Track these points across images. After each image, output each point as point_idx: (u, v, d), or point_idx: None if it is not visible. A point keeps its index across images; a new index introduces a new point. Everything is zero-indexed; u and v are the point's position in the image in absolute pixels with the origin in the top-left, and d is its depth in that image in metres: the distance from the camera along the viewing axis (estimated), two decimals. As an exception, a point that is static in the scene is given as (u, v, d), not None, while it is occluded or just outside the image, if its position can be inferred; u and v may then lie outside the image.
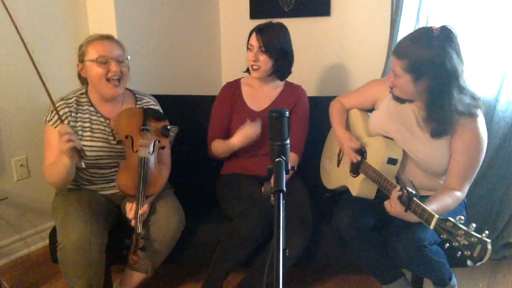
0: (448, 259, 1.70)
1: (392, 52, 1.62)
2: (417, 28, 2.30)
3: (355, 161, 1.80)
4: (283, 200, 0.99)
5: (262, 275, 1.33)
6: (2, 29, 2.09)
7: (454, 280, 1.74)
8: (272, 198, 1.01)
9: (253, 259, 1.80)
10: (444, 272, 1.69)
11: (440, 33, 1.50)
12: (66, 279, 1.64)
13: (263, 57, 1.94)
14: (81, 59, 1.74)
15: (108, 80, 1.71)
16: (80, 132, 1.75)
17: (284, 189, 1.01)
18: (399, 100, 1.72)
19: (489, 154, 2.24)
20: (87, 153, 1.72)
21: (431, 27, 1.55)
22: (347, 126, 2.00)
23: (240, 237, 1.74)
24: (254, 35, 1.95)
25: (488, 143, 1.64)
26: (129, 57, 1.79)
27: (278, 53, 1.95)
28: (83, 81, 1.84)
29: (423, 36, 1.54)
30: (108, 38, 1.76)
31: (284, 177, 1.05)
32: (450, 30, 1.52)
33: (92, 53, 1.70)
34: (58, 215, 1.71)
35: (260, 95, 2.07)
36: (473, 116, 1.58)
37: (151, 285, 2.09)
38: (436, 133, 1.62)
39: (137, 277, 1.81)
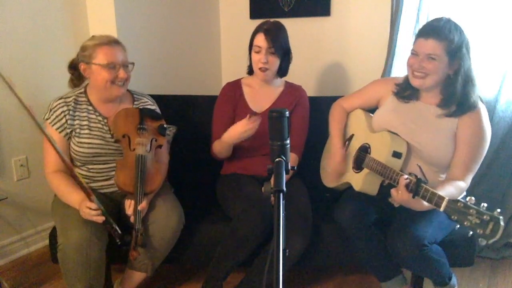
0: (448, 259, 1.70)
1: (425, 35, 1.62)
2: (416, 28, 2.30)
3: (333, 175, 1.93)
4: (283, 200, 0.99)
5: (262, 275, 1.34)
6: (2, 30, 2.09)
7: (454, 280, 1.75)
8: (272, 198, 1.01)
9: (253, 259, 1.80)
10: (444, 271, 1.70)
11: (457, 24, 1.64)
12: (66, 280, 1.64)
13: (272, 58, 1.93)
14: (87, 61, 1.74)
15: (112, 82, 1.74)
16: (78, 130, 1.76)
17: (284, 189, 1.01)
18: (405, 98, 1.76)
19: (489, 154, 2.23)
20: (85, 150, 1.75)
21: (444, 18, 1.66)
22: (347, 128, 2.01)
23: (240, 237, 1.74)
24: (261, 36, 1.92)
25: (489, 141, 1.66)
26: (134, 63, 1.81)
27: (284, 52, 1.96)
28: (76, 83, 1.86)
29: (450, 21, 1.63)
30: (116, 42, 1.77)
31: (284, 177, 1.05)
32: None
33: (101, 58, 1.71)
34: (58, 215, 1.72)
35: (261, 96, 2.07)
36: (476, 107, 1.64)
37: (151, 285, 2.09)
38: (457, 113, 1.66)
39: (137, 276, 1.82)
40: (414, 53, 1.66)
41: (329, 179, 2.07)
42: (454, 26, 1.61)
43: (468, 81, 1.63)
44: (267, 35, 1.91)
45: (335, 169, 1.95)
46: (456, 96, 1.64)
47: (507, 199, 2.30)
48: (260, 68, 1.96)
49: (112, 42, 1.76)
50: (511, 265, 2.30)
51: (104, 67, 1.71)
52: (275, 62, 1.95)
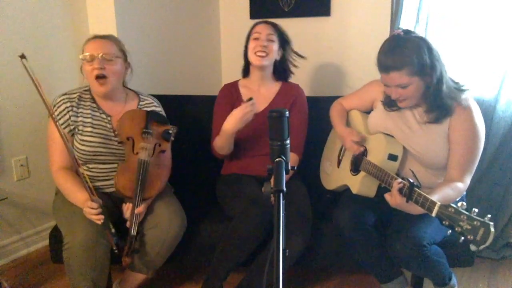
0: (447, 259, 1.70)
1: (385, 71, 1.60)
2: (416, 28, 2.31)
3: (357, 152, 1.82)
4: (283, 200, 0.99)
5: (262, 275, 1.34)
6: (2, 30, 2.09)
7: (454, 280, 1.75)
8: (272, 198, 1.01)
9: (253, 259, 1.80)
10: (444, 272, 1.69)
11: (405, 33, 1.61)
12: (70, 279, 1.64)
13: (271, 45, 1.95)
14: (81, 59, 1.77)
15: (95, 78, 1.73)
16: (80, 127, 1.76)
17: (284, 189, 1.01)
18: (393, 106, 1.75)
19: (489, 154, 2.25)
20: (87, 148, 1.75)
21: (393, 34, 1.64)
22: (348, 125, 2.00)
23: (240, 237, 1.74)
24: (262, 24, 1.98)
25: (488, 143, 1.65)
26: (120, 55, 1.78)
27: (285, 43, 1.99)
28: None
29: (399, 41, 1.59)
30: (102, 37, 1.78)
31: (284, 177, 1.05)
32: (407, 29, 1.66)
33: (84, 51, 1.74)
34: (62, 215, 1.72)
35: (257, 96, 2.06)
36: (466, 105, 1.61)
37: (151, 285, 2.09)
38: (437, 119, 1.64)
39: (137, 277, 1.82)
40: (386, 85, 1.65)
41: (329, 181, 2.07)
42: (406, 45, 1.56)
43: (442, 84, 1.60)
44: (266, 23, 1.97)
45: (352, 144, 1.83)
46: (439, 100, 1.61)
47: (507, 199, 2.30)
48: (256, 53, 1.95)
49: (98, 37, 1.77)
50: (511, 265, 2.30)
51: (84, 60, 1.72)
52: (274, 49, 1.96)
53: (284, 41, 2.02)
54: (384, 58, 1.60)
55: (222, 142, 1.97)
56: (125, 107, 1.85)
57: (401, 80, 1.58)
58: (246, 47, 2.04)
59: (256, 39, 1.96)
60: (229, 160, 2.10)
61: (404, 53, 1.55)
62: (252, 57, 1.99)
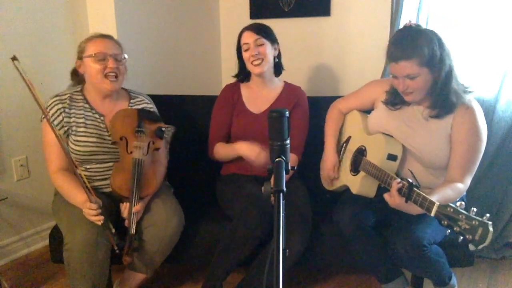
0: (448, 259, 1.70)
1: (394, 60, 1.59)
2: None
3: (326, 178, 1.98)
4: (283, 200, 1.00)
5: (262, 275, 1.34)
6: (2, 30, 2.09)
7: (454, 280, 1.75)
8: (272, 198, 1.02)
9: (253, 259, 1.80)
10: (444, 272, 1.70)
11: (417, 25, 1.62)
12: (70, 279, 1.64)
13: (262, 49, 1.95)
14: (80, 56, 1.76)
15: (105, 76, 1.72)
16: (74, 128, 1.76)
17: (284, 189, 1.01)
18: (396, 104, 1.75)
19: (489, 154, 2.24)
20: (81, 149, 1.75)
21: (405, 25, 1.64)
22: (344, 129, 2.02)
23: (240, 237, 1.74)
24: (245, 33, 1.98)
25: (488, 143, 1.65)
26: (126, 56, 1.80)
27: (273, 40, 1.99)
28: (76, 80, 1.86)
29: (410, 32, 1.59)
30: (108, 36, 1.79)
31: (284, 177, 1.05)
32: (418, 23, 1.68)
33: (91, 49, 1.73)
34: (62, 215, 1.72)
35: (259, 97, 2.07)
36: (469, 105, 1.61)
37: (151, 285, 2.09)
38: (440, 115, 1.64)
39: (137, 277, 1.82)
40: (394, 76, 1.64)
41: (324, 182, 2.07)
42: (418, 36, 1.56)
43: (450, 80, 1.60)
44: (249, 30, 1.97)
45: (327, 175, 1.97)
46: (444, 96, 1.62)
47: (507, 199, 2.29)
48: (253, 63, 1.96)
49: (103, 36, 1.77)
50: (511, 265, 2.30)
51: (93, 57, 1.71)
52: (266, 51, 1.96)
53: (273, 37, 2.02)
54: (394, 48, 1.59)
55: (226, 155, 2.01)
56: (116, 106, 1.84)
57: (410, 70, 1.57)
58: (239, 54, 2.04)
59: (247, 50, 1.97)
60: (228, 160, 2.10)
61: (415, 43, 1.55)
62: (250, 67, 2.00)
